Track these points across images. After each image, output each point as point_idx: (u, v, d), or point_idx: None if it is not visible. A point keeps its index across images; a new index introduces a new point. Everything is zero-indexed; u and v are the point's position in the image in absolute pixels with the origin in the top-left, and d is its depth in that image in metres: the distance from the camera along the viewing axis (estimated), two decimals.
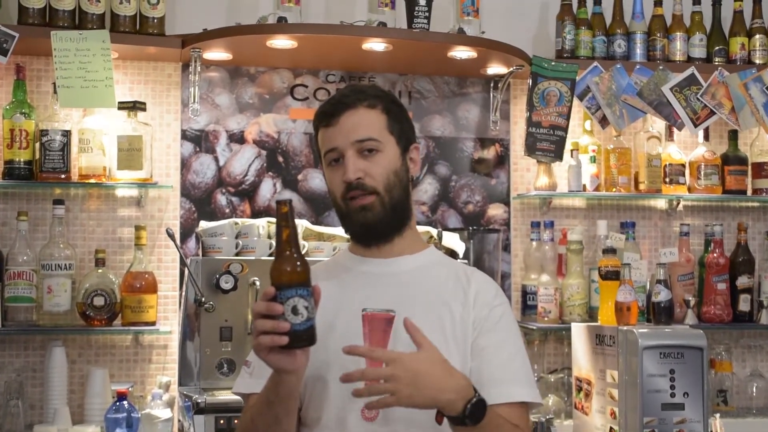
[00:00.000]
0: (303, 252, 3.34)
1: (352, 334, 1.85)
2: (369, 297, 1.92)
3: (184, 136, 3.55)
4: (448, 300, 1.95)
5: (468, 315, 1.93)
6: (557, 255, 3.69)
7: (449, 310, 1.94)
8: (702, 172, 3.81)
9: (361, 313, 1.83)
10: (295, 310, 1.67)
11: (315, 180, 3.63)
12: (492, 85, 3.80)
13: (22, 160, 3.22)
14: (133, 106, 3.33)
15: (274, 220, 3.40)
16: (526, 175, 3.84)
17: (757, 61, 3.86)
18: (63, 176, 3.23)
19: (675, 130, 3.81)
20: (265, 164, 3.62)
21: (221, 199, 3.57)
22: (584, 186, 3.72)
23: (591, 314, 3.60)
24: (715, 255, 3.78)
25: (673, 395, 3.07)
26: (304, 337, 1.67)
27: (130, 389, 3.18)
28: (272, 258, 3.28)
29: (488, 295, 1.97)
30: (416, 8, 3.41)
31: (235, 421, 2.68)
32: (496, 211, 3.81)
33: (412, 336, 1.74)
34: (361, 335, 1.84)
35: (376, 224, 1.95)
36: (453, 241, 3.44)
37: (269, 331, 1.67)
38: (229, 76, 3.61)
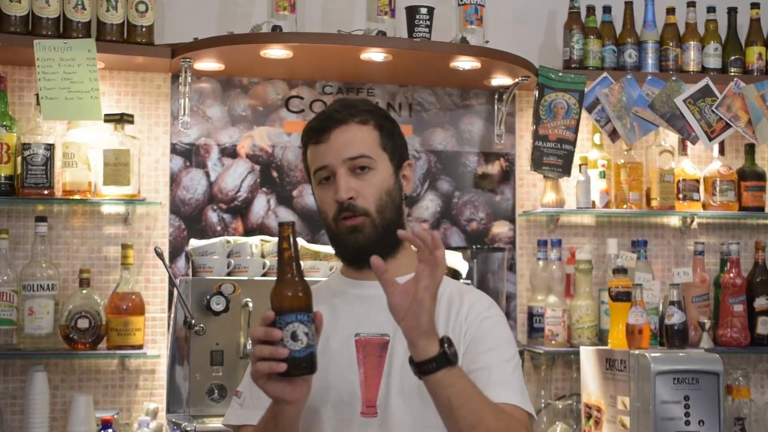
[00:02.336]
0: None
1: (346, 359, 1.86)
2: (362, 321, 1.92)
3: (174, 150, 3.55)
4: (441, 317, 1.94)
5: (459, 329, 1.92)
6: (565, 275, 3.68)
7: (442, 327, 1.92)
8: (717, 188, 3.81)
9: (354, 338, 1.83)
10: (294, 336, 1.66)
11: (310, 196, 3.61)
12: (496, 96, 3.81)
13: (2, 175, 3.21)
14: (120, 119, 3.33)
15: (267, 238, 3.41)
16: (533, 191, 3.84)
17: None
18: (46, 192, 3.23)
19: (689, 143, 3.81)
20: (258, 180, 3.62)
21: (212, 216, 3.57)
22: (593, 203, 3.72)
23: (601, 337, 3.59)
24: (731, 275, 3.77)
25: (687, 423, 3.07)
26: (303, 365, 1.67)
27: (115, 416, 3.18)
28: (265, 278, 3.31)
29: (480, 307, 1.96)
30: (417, 17, 3.42)
31: None
32: (500, 229, 3.81)
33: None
34: (355, 361, 1.83)
35: (368, 246, 1.92)
36: (456, 260, 3.44)
37: (267, 357, 1.66)
38: (221, 87, 3.61)
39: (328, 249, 3.36)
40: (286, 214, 3.60)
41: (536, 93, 3.65)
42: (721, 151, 3.86)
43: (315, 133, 1.98)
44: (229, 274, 3.28)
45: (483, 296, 2.03)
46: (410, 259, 2.05)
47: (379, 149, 1.97)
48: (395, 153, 2.01)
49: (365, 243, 1.93)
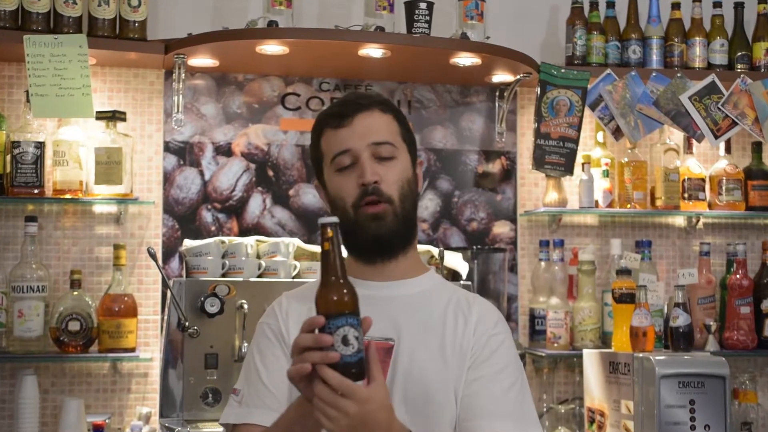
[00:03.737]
0: (295, 273, 3.34)
1: None
2: None
3: (167, 148, 3.54)
4: (449, 326, 1.94)
5: (467, 342, 1.92)
6: (568, 276, 3.68)
7: (449, 336, 1.93)
8: (723, 187, 3.81)
9: None
10: (345, 341, 1.64)
11: (307, 195, 3.63)
12: (497, 93, 3.80)
13: None
14: (113, 116, 3.33)
15: (263, 238, 3.40)
16: (534, 190, 3.83)
17: None
18: (36, 191, 3.22)
19: (694, 142, 3.81)
20: (253, 178, 3.61)
21: (207, 215, 3.56)
22: (596, 202, 3.72)
23: (604, 340, 3.59)
24: (737, 276, 3.77)
25: (693, 428, 3.06)
26: (353, 370, 1.65)
27: (107, 421, 3.18)
28: (261, 279, 3.30)
29: (488, 323, 1.96)
30: (416, 12, 3.42)
31: None
32: (501, 229, 3.80)
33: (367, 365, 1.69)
34: None
35: (389, 236, 1.92)
36: (456, 261, 3.44)
37: (318, 362, 1.64)
38: (215, 84, 3.61)
39: None
40: (283, 214, 3.59)
41: (538, 90, 3.64)
42: (728, 150, 3.86)
43: (336, 117, 1.96)
44: (223, 275, 3.27)
45: (491, 309, 2.02)
46: (417, 261, 2.05)
47: (400, 139, 1.98)
48: (412, 146, 2.02)
49: (386, 232, 1.92)
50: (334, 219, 1.70)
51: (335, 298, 1.67)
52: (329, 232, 1.69)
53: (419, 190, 2.04)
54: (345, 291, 1.67)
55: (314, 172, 2.06)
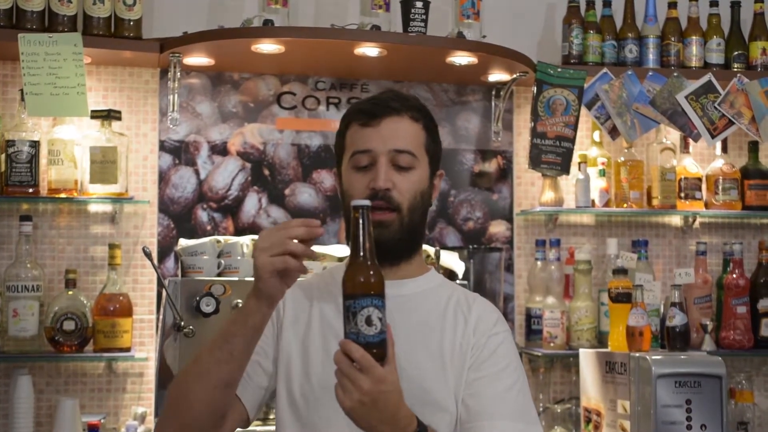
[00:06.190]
0: None
1: None
2: None
3: (163, 147, 3.54)
4: (448, 326, 1.95)
5: (467, 342, 1.93)
6: (564, 276, 3.68)
7: (449, 336, 1.94)
8: (720, 187, 3.81)
9: None
10: (369, 321, 1.67)
11: (303, 195, 3.63)
12: (494, 93, 3.81)
13: None
14: (108, 115, 3.32)
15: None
16: (531, 189, 3.84)
17: None
18: (31, 190, 3.23)
19: (691, 141, 3.81)
20: (249, 178, 3.61)
21: (202, 215, 3.56)
22: (593, 201, 3.73)
23: (600, 339, 3.59)
24: (734, 276, 3.78)
25: (689, 428, 3.07)
26: (374, 350, 1.67)
27: (102, 421, 3.18)
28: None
29: (488, 322, 1.97)
30: (412, 11, 3.42)
31: None
32: (498, 228, 3.81)
33: None
34: None
35: (390, 244, 1.93)
36: (452, 260, 3.44)
37: (299, 254, 1.71)
38: (210, 82, 3.61)
39: (323, 249, 3.36)
40: (278, 214, 3.60)
41: (534, 89, 3.65)
42: (724, 149, 3.87)
43: (365, 115, 1.97)
44: (219, 275, 3.27)
45: (491, 309, 2.03)
46: (420, 263, 2.07)
47: (423, 150, 1.99)
48: (434, 158, 2.03)
49: (389, 240, 1.93)
50: (366, 202, 1.73)
51: (362, 279, 1.69)
52: (360, 214, 1.72)
53: (433, 200, 2.06)
54: (372, 272, 1.70)
55: (335, 159, 2.07)
